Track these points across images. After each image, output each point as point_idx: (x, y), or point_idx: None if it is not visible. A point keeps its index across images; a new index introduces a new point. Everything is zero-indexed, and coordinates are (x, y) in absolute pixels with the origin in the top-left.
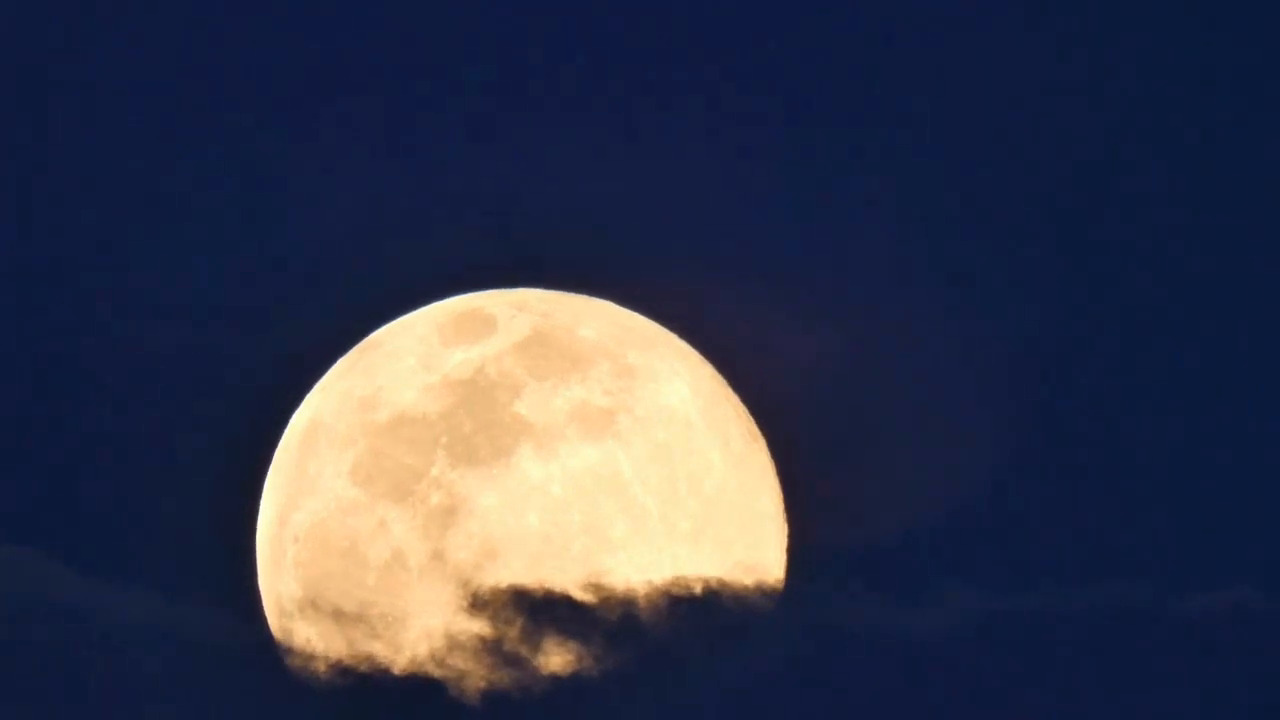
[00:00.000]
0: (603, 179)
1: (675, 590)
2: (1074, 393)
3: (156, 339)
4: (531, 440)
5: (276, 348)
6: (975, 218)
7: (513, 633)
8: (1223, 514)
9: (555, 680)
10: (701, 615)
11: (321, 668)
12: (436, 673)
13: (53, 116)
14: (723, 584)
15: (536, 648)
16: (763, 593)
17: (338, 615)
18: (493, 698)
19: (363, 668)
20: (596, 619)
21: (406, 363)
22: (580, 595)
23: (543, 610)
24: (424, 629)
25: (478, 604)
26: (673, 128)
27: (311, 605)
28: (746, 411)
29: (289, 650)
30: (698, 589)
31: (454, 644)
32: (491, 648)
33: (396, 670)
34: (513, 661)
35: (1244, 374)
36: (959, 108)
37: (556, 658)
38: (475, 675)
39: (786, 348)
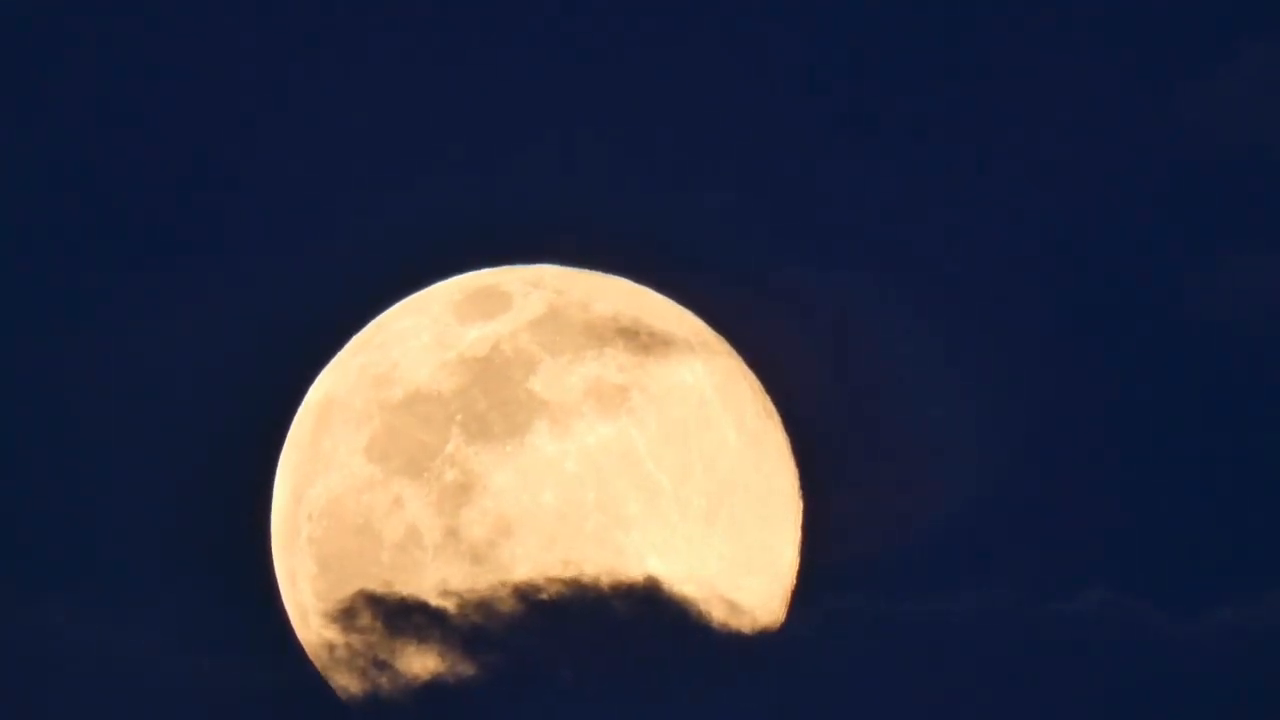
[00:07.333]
0: (619, 155)
1: (532, 595)
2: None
3: (169, 317)
4: (546, 417)
5: (291, 323)
6: (997, 216)
7: (373, 639)
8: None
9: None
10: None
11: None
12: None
13: (53, 105)
14: (579, 587)
15: (394, 654)
16: (618, 595)
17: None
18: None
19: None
20: (454, 626)
21: (421, 339)
22: (436, 602)
23: (399, 617)
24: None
25: (332, 615)
26: (691, 105)
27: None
28: (762, 388)
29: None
30: (550, 592)
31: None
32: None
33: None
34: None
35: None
36: (996, 105)
37: (418, 663)
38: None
39: (802, 326)
